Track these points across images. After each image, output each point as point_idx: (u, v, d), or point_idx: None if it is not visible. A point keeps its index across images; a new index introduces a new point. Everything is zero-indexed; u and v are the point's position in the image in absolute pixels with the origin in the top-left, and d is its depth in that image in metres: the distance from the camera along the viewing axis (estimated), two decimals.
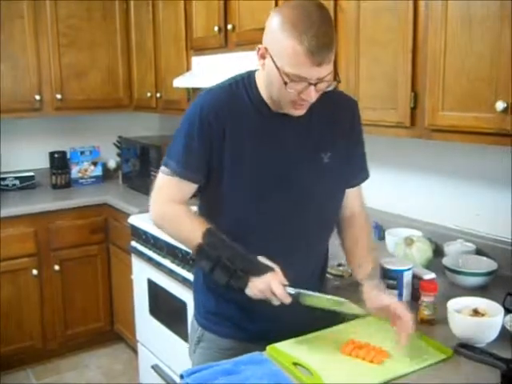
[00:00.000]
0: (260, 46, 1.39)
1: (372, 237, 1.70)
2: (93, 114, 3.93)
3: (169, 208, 1.52)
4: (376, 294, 1.47)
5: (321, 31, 1.30)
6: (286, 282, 1.39)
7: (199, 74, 3.02)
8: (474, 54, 1.66)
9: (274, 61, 1.34)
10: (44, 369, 3.45)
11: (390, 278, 1.67)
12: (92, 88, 3.76)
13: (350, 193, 1.65)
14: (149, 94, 3.63)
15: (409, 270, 1.68)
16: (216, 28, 2.80)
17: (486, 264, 1.92)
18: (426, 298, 1.60)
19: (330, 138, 1.53)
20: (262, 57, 1.39)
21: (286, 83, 1.33)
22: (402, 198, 2.45)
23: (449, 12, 1.71)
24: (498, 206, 2.05)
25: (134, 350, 3.39)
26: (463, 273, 1.87)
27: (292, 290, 1.39)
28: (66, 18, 3.61)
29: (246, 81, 1.50)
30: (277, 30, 1.33)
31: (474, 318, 1.48)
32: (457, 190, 2.21)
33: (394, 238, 2.23)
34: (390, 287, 1.67)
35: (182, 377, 1.31)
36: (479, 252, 2.07)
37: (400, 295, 1.66)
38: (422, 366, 1.35)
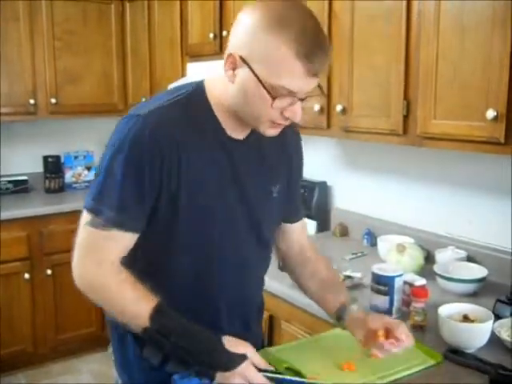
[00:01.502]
0: (230, 52, 1.12)
1: (331, 267, 1.54)
2: (87, 118, 3.94)
3: (101, 277, 1.16)
4: (374, 317, 1.34)
5: (317, 30, 1.08)
6: (262, 366, 1.19)
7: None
8: (466, 63, 1.69)
9: (253, 71, 1.08)
10: (36, 373, 3.43)
11: (382, 284, 1.68)
12: (87, 92, 3.76)
13: (295, 228, 1.48)
14: (143, 99, 3.62)
15: (400, 276, 1.69)
16: (211, 35, 2.81)
17: (477, 271, 1.94)
18: (417, 304, 1.61)
19: (278, 168, 1.35)
20: (233, 67, 1.12)
21: (274, 98, 1.08)
22: (395, 205, 2.47)
23: (441, 21, 1.74)
24: (489, 214, 2.07)
25: None
26: (454, 279, 1.89)
27: (270, 374, 1.20)
28: (62, 22, 3.60)
29: (196, 97, 1.21)
30: (257, 30, 1.06)
31: (464, 323, 1.49)
32: (449, 197, 2.23)
33: (385, 244, 2.25)
34: (381, 293, 1.68)
35: (174, 381, 1.31)
36: (470, 259, 2.09)
37: (391, 301, 1.67)
38: (412, 371, 1.36)
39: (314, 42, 1.05)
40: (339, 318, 1.37)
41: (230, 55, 1.11)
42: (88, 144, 4.08)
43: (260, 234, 1.33)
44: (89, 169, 4.02)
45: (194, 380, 1.28)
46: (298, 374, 1.32)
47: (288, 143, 1.37)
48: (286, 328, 2.02)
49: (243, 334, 1.27)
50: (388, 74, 1.95)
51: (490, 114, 1.60)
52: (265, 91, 1.08)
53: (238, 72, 1.11)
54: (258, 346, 1.37)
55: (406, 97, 1.89)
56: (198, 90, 1.22)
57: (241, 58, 1.09)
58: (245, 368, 1.15)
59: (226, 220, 1.26)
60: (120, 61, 3.86)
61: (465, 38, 1.68)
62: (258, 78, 1.08)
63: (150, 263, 1.25)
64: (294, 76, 1.06)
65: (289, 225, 1.47)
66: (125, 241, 1.18)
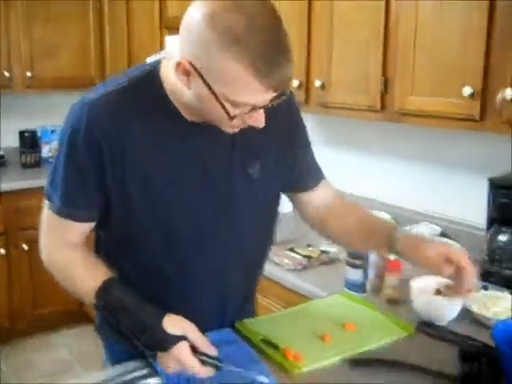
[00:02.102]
0: (181, 60, 1.00)
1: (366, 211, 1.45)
2: (64, 92, 3.87)
3: (59, 255, 1.20)
4: (430, 244, 1.26)
5: (277, 42, 0.97)
6: (204, 349, 1.10)
7: (173, 53, 3.00)
8: (444, 40, 1.70)
9: (208, 84, 0.99)
10: (13, 348, 3.42)
11: (357, 258, 1.70)
12: (63, 66, 3.69)
13: (317, 194, 1.40)
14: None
15: None
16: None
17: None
18: (391, 277, 1.64)
19: (259, 145, 1.23)
20: (186, 74, 1.02)
21: (232, 117, 1.03)
22: (372, 182, 2.49)
23: None
24: (464, 191, 2.10)
25: None
26: None
27: (207, 358, 1.10)
28: None
29: (150, 83, 1.13)
30: (212, 45, 0.95)
31: (436, 297, 1.52)
32: (426, 174, 2.26)
33: None
34: (356, 267, 1.70)
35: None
36: (444, 235, 2.12)
37: (366, 275, 1.70)
38: (384, 342, 1.39)
39: (273, 59, 0.95)
40: (390, 247, 1.30)
41: (183, 63, 1.00)
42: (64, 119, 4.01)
43: (237, 220, 1.26)
44: None
45: None
46: (273, 345, 1.35)
47: (276, 111, 1.12)
48: (262, 302, 2.03)
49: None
50: (367, 50, 1.95)
51: (467, 90, 1.62)
52: (220, 105, 1.01)
53: (192, 80, 1.02)
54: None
55: (384, 73, 1.91)
56: (152, 74, 1.14)
57: (195, 69, 1.00)
58: (179, 349, 1.07)
59: (185, 209, 1.19)
60: (97, 33, 3.79)
61: (443, 16, 1.70)
62: (213, 93, 1.00)
63: (118, 245, 1.25)
64: (254, 94, 0.99)
65: (309, 192, 1.40)
66: (78, 228, 1.20)
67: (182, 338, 1.08)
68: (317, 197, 1.41)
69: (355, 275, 1.71)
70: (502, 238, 1.72)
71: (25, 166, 3.78)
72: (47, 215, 1.20)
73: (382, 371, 1.26)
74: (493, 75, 1.59)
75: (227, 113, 1.02)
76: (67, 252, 1.20)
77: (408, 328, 1.46)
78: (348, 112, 2.09)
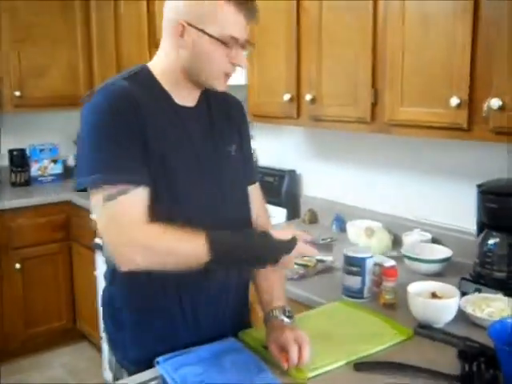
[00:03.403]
0: (178, 21, 1.26)
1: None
2: (53, 111, 3.89)
3: (145, 240, 1.19)
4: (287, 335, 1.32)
5: None
6: (307, 237, 1.31)
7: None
8: (431, 52, 1.76)
9: (203, 30, 1.24)
10: (6, 369, 3.39)
11: (354, 266, 1.75)
12: (52, 85, 3.72)
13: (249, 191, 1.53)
14: None
15: (371, 257, 1.76)
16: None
17: (442, 251, 2.03)
18: (388, 283, 1.69)
19: (230, 130, 1.46)
20: (182, 35, 1.26)
21: (227, 45, 1.26)
22: (363, 191, 2.54)
23: (406, 12, 1.81)
24: (453, 197, 2.16)
25: (98, 348, 3.38)
26: (420, 260, 1.97)
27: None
28: (25, 13, 3.55)
29: (143, 73, 1.34)
30: (198, 3, 1.25)
31: (432, 300, 1.57)
32: (415, 182, 2.31)
33: (355, 229, 2.32)
34: (353, 274, 1.75)
35: (158, 363, 1.34)
36: (435, 241, 2.18)
37: (363, 281, 1.74)
38: (385, 346, 1.43)
39: None
40: (266, 320, 1.42)
41: (178, 24, 1.26)
42: (54, 137, 4.04)
43: (224, 192, 1.40)
44: (55, 162, 3.98)
45: (180, 359, 1.33)
46: None
47: (234, 112, 1.50)
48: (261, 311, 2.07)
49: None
50: (356, 64, 2.01)
51: (454, 101, 1.69)
52: (218, 42, 1.25)
53: (186, 37, 1.26)
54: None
55: (373, 85, 1.96)
56: (144, 69, 1.35)
57: (188, 24, 1.25)
58: (298, 246, 1.25)
59: (185, 178, 1.33)
60: (86, 53, 3.82)
61: (429, 29, 1.76)
62: (208, 34, 1.24)
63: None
64: (235, 25, 1.26)
65: None
66: (141, 197, 1.22)
67: (295, 239, 1.25)
68: (250, 197, 1.52)
69: (353, 282, 1.75)
70: (492, 241, 1.77)
71: (14, 184, 3.78)
72: (107, 211, 1.20)
73: (384, 374, 1.30)
74: (479, 85, 1.65)
75: (223, 43, 1.25)
76: (148, 232, 1.20)
77: (407, 331, 1.50)
78: (339, 124, 2.15)
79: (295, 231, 1.28)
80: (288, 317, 1.40)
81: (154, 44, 3.16)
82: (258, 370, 1.30)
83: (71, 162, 4.10)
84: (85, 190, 1.25)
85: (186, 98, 1.37)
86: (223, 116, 1.45)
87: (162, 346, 1.36)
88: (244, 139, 1.51)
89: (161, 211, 1.25)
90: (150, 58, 3.13)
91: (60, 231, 3.55)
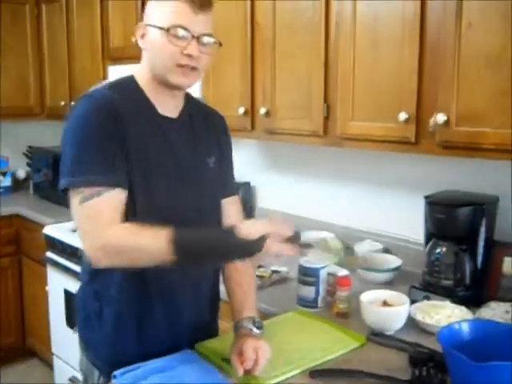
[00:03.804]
0: (138, 24, 1.37)
1: (253, 276, 1.59)
2: (1, 122, 3.80)
3: (114, 238, 1.23)
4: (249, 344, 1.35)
5: None
6: (285, 233, 1.19)
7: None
8: (380, 70, 1.83)
9: (153, 26, 1.31)
10: None
11: (308, 276, 1.79)
12: (1, 96, 3.63)
13: (226, 202, 1.55)
14: (62, 103, 3.57)
15: (325, 267, 1.81)
16: (134, 38, 2.82)
17: (392, 261, 2.10)
18: (341, 293, 1.73)
19: (210, 143, 1.51)
20: (142, 36, 1.36)
21: (168, 30, 1.28)
22: (317, 203, 2.59)
23: (357, 32, 1.88)
24: (402, 208, 2.24)
25: (49, 365, 3.30)
26: (372, 269, 2.03)
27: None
28: None
29: (128, 83, 1.40)
30: (152, 3, 1.35)
31: (383, 308, 1.63)
32: (366, 194, 2.38)
33: (309, 240, 2.36)
34: (308, 284, 1.78)
35: (114, 377, 1.34)
36: (386, 250, 2.25)
37: (317, 291, 1.78)
38: (339, 353, 1.47)
39: None
40: (235, 328, 1.44)
41: (138, 26, 1.36)
42: (2, 149, 3.93)
43: (201, 202, 1.44)
44: (3, 174, 3.88)
45: (137, 373, 1.33)
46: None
47: (215, 125, 1.55)
48: (220, 326, 2.07)
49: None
50: (309, 79, 2.06)
51: (402, 116, 1.76)
52: (162, 31, 1.29)
53: (145, 37, 1.35)
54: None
55: (326, 100, 2.02)
56: (129, 78, 1.41)
57: (145, 25, 1.34)
58: (267, 246, 1.17)
59: (164, 193, 1.37)
60: (36, 63, 3.76)
61: (379, 48, 1.83)
62: (155, 26, 1.30)
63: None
64: (181, 14, 1.29)
65: (223, 201, 1.55)
66: (117, 198, 1.27)
67: (263, 238, 1.16)
68: (227, 209, 1.55)
69: (307, 292, 1.79)
70: (439, 250, 1.84)
71: None
72: (82, 209, 1.24)
73: (339, 380, 1.34)
74: (425, 101, 1.73)
75: (166, 30, 1.28)
76: (119, 230, 1.24)
77: (360, 338, 1.55)
78: (293, 137, 2.20)
79: (272, 226, 1.18)
80: (257, 327, 1.42)
81: (108, 57, 3.15)
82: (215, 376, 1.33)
83: (21, 174, 4.01)
84: (67, 192, 1.28)
85: (168, 108, 1.41)
86: (204, 128, 1.50)
87: (139, 347, 1.40)
88: (224, 152, 1.56)
89: (138, 217, 1.30)
90: (104, 70, 3.19)
91: (9, 245, 3.46)
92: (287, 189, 2.72)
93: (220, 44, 1.38)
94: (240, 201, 1.62)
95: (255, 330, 1.41)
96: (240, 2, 2.27)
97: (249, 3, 2.25)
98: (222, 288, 1.58)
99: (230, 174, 1.60)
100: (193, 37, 1.31)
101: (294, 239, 1.20)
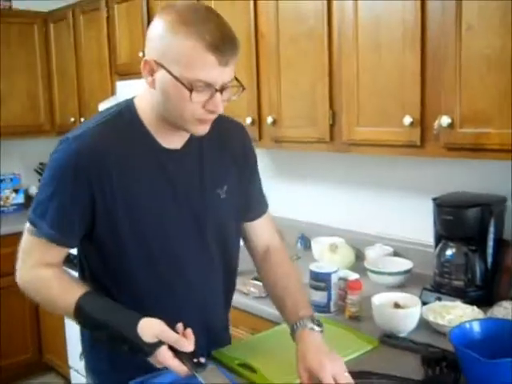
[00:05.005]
0: (146, 59, 1.17)
1: (299, 278, 1.50)
2: (13, 140, 3.86)
3: (35, 279, 1.27)
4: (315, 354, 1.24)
5: (221, 22, 1.14)
6: (182, 349, 1.13)
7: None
8: (383, 75, 1.86)
9: (169, 71, 1.13)
10: None
11: (320, 281, 1.80)
12: (12, 114, 3.69)
13: (255, 225, 1.49)
14: (72, 119, 3.63)
15: (336, 272, 1.82)
16: (141, 54, 2.88)
17: (403, 264, 2.11)
18: (353, 296, 1.75)
19: (223, 169, 1.37)
20: (151, 73, 1.17)
21: (191, 91, 1.12)
22: (325, 209, 2.61)
23: (359, 39, 1.92)
24: (411, 212, 2.25)
25: (66, 379, 3.33)
26: (383, 273, 2.05)
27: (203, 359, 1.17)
28: None
29: (126, 113, 1.26)
30: (166, 35, 1.12)
31: (395, 310, 1.64)
32: (374, 198, 2.40)
33: (319, 245, 2.39)
34: (319, 289, 1.80)
35: None
36: (396, 254, 2.26)
37: (329, 296, 1.80)
38: (353, 356, 1.48)
39: (220, 34, 1.12)
40: (292, 332, 1.35)
41: (146, 61, 1.17)
42: (14, 166, 4.00)
43: (204, 235, 1.35)
44: (16, 191, 3.94)
45: (150, 382, 1.34)
46: (250, 368, 1.41)
47: (232, 139, 1.41)
48: (233, 332, 2.09)
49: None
50: (314, 86, 2.10)
51: (407, 120, 1.78)
52: (182, 86, 1.13)
53: (156, 76, 1.16)
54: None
55: (331, 107, 2.05)
56: (128, 107, 1.28)
57: (155, 62, 1.15)
58: (160, 354, 1.13)
59: (163, 232, 1.30)
60: (45, 81, 3.83)
61: (381, 53, 1.86)
62: (172, 76, 1.13)
63: (104, 269, 1.32)
64: (206, 67, 1.12)
65: (249, 223, 1.48)
66: (58, 251, 1.28)
67: (156, 345, 1.13)
68: (258, 229, 1.50)
69: (319, 297, 1.81)
70: (449, 252, 1.86)
71: None
72: (29, 241, 1.27)
73: (354, 382, 1.35)
74: (429, 104, 1.75)
75: (186, 87, 1.12)
76: (43, 271, 1.26)
77: (373, 341, 1.56)
78: (299, 145, 2.23)
79: (171, 338, 1.13)
80: (317, 325, 1.32)
81: (116, 72, 3.20)
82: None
83: (33, 191, 4.07)
84: None
85: (171, 138, 1.28)
86: (217, 148, 1.35)
87: (142, 371, 1.32)
88: (244, 171, 1.43)
89: (125, 252, 1.28)
90: (112, 85, 3.23)
91: None
92: (297, 196, 2.74)
93: (243, 88, 1.22)
94: (270, 216, 1.53)
95: (316, 328, 1.31)
96: (243, 14, 2.31)
97: (252, 14, 2.29)
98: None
99: (254, 193, 1.48)
100: (216, 90, 1.15)
101: (191, 356, 1.14)
